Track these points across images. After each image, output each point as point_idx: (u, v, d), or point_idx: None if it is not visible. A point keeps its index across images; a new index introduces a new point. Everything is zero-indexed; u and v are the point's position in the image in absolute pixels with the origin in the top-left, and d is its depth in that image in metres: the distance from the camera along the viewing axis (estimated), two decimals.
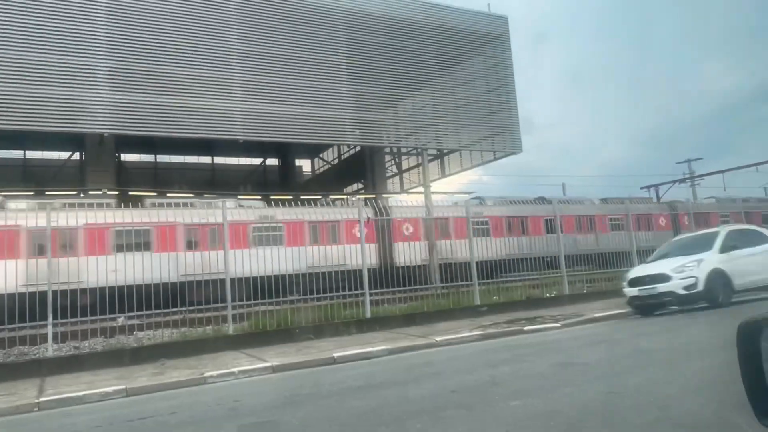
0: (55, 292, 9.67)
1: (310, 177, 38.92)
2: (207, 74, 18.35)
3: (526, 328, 10.81)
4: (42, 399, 6.96)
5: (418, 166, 28.21)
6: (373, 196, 23.69)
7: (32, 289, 10.23)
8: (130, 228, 12.98)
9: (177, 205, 15.42)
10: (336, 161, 36.09)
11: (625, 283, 12.38)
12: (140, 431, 5.37)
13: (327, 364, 8.45)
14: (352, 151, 32.91)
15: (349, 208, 21.20)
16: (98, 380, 8.01)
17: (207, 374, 7.85)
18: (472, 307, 13.33)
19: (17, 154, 31.07)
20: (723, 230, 12.61)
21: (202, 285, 12.97)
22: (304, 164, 39.29)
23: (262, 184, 35.29)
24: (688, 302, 11.56)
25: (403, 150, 29.19)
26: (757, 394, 1.09)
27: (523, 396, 5.00)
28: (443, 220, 21.59)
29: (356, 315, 12.20)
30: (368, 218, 16.55)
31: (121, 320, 11.40)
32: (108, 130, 18.05)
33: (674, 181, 40.18)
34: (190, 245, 17.56)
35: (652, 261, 12.84)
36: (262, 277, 11.80)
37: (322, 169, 38.41)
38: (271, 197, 19.17)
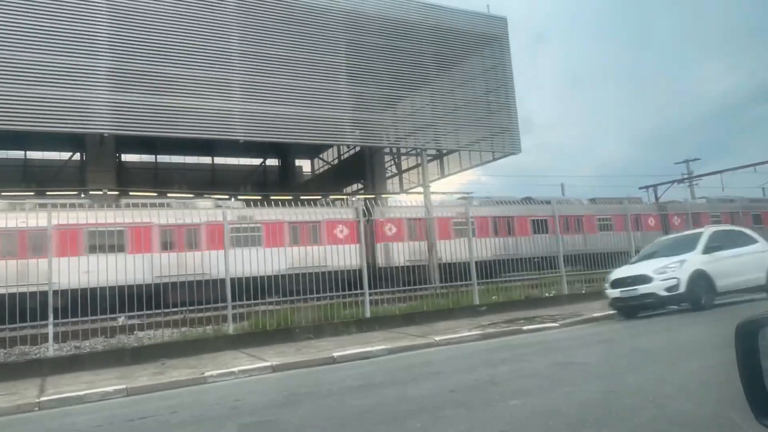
0: (55, 292, 9.67)
1: (310, 177, 38.93)
2: (207, 75, 18.34)
3: (525, 327, 10.81)
4: (43, 398, 6.96)
5: (417, 166, 28.22)
6: (373, 196, 23.69)
7: (33, 289, 10.19)
8: (103, 229, 12.71)
9: (153, 205, 15.14)
10: (336, 161, 36.10)
11: (607, 285, 12.12)
12: (141, 431, 5.37)
13: (327, 364, 8.45)
14: (352, 152, 32.92)
15: (331, 208, 21.12)
16: (99, 380, 8.00)
17: (207, 374, 7.85)
18: (471, 307, 13.33)
19: (18, 154, 31.04)
20: (707, 231, 12.39)
21: (178, 286, 12.64)
22: (304, 164, 39.30)
23: (262, 184, 35.30)
24: (669, 304, 11.36)
25: (403, 150, 29.20)
26: (755, 393, 1.09)
27: (522, 395, 5.01)
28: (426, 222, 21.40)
29: (356, 315, 12.21)
30: (367, 218, 16.55)
31: (121, 320, 11.38)
32: (108, 131, 18.04)
33: (672, 182, 40.22)
34: (165, 246, 17.27)
35: (636, 262, 12.62)
36: (239, 279, 11.66)
37: (321, 170, 38.41)
38: (271, 197, 19.16)
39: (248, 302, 11.81)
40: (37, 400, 6.88)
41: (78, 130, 18.07)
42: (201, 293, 11.13)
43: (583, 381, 5.53)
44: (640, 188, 40.38)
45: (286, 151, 35.00)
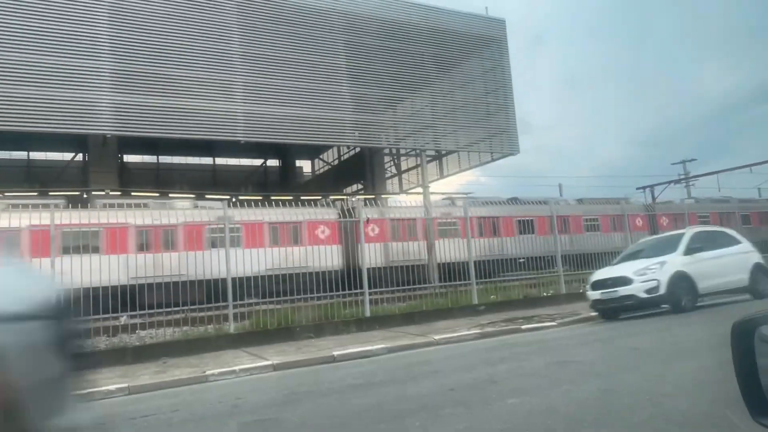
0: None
1: (311, 178, 38.94)
2: (209, 77, 18.35)
3: (523, 326, 10.81)
4: None
5: (416, 167, 28.22)
6: (372, 196, 23.67)
7: None
8: (78, 230, 12.61)
9: (129, 206, 14.99)
10: (336, 162, 36.10)
11: (588, 286, 11.87)
12: (143, 429, 5.36)
13: (327, 363, 8.45)
14: (352, 152, 32.93)
15: (314, 209, 20.98)
16: (101, 378, 8.00)
17: (208, 372, 7.85)
18: (470, 306, 13.34)
19: (21, 155, 31.04)
20: (688, 232, 12.12)
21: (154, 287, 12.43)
22: (305, 165, 39.31)
23: (263, 184, 35.31)
24: (649, 306, 11.09)
25: (402, 151, 29.20)
26: (751, 392, 1.09)
27: (521, 394, 5.00)
28: (410, 222, 21.26)
29: (356, 314, 12.21)
30: (368, 219, 16.54)
31: (123, 319, 11.37)
32: (111, 132, 18.05)
33: (669, 182, 40.21)
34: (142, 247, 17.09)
35: (618, 263, 12.33)
36: (216, 280, 11.51)
37: (322, 170, 38.42)
38: (272, 197, 19.15)
39: (249, 301, 11.81)
40: None
41: (81, 131, 18.08)
42: (176, 295, 10.94)
43: (581, 380, 5.53)
44: (638, 188, 40.38)
45: (286, 152, 35.00)
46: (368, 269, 12.72)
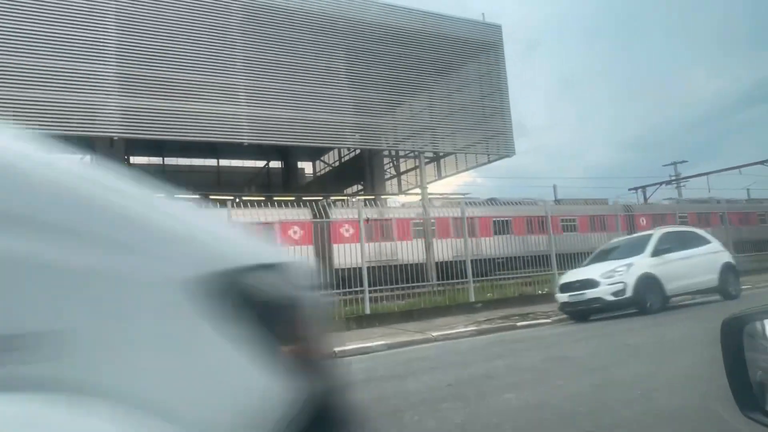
0: None
1: (312, 179, 38.93)
2: (213, 80, 18.35)
3: (518, 323, 10.83)
4: None
5: (415, 168, 28.22)
6: (372, 197, 23.67)
7: None
8: None
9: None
10: (337, 164, 36.10)
11: (557, 289, 11.59)
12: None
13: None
14: (352, 154, 32.92)
15: (289, 210, 20.75)
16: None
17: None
18: (467, 304, 13.36)
19: None
20: (657, 233, 11.76)
21: None
22: (306, 166, 39.29)
23: (265, 185, 35.31)
24: (616, 308, 10.77)
25: (401, 153, 29.20)
26: (740, 387, 1.10)
27: (517, 389, 5.02)
28: (387, 222, 21.15)
29: (356, 311, 12.22)
30: (367, 219, 16.53)
31: None
32: (118, 134, 18.04)
33: (660, 183, 40.26)
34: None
35: (587, 264, 12.05)
36: None
37: (323, 171, 38.42)
38: (274, 198, 19.11)
39: None
40: None
41: (89, 134, 18.06)
42: None
43: (575, 375, 5.55)
44: (630, 189, 40.44)
45: (288, 154, 34.99)
46: (368, 268, 12.73)
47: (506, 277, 15.71)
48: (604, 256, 11.98)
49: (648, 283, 10.59)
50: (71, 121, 16.42)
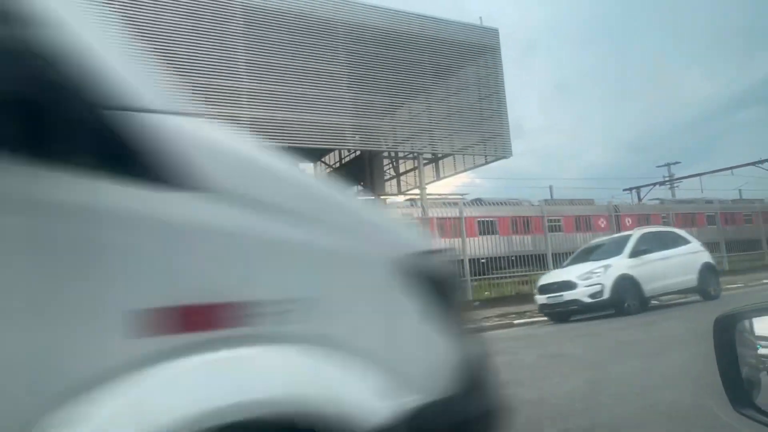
0: None
1: None
2: (216, 84, 18.36)
3: (515, 321, 10.84)
4: None
5: (414, 169, 28.21)
6: (372, 197, 23.66)
7: None
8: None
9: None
10: (337, 165, 36.10)
11: (535, 290, 11.40)
12: None
13: None
14: (353, 156, 32.93)
15: None
16: None
17: None
18: (465, 302, 13.37)
19: None
20: (635, 233, 11.53)
21: None
22: (307, 168, 39.31)
23: None
24: (594, 310, 10.59)
25: (401, 154, 29.20)
26: (732, 383, 1.10)
27: (514, 385, 5.01)
28: None
29: None
30: None
31: None
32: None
33: (654, 184, 40.30)
34: None
35: (566, 266, 11.86)
36: None
37: (324, 172, 38.42)
38: None
39: None
40: None
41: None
42: None
43: (571, 372, 5.54)
44: (624, 190, 40.45)
45: (290, 155, 34.97)
46: None
47: (503, 276, 15.71)
48: (585, 256, 11.80)
49: (625, 284, 10.41)
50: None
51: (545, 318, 11.24)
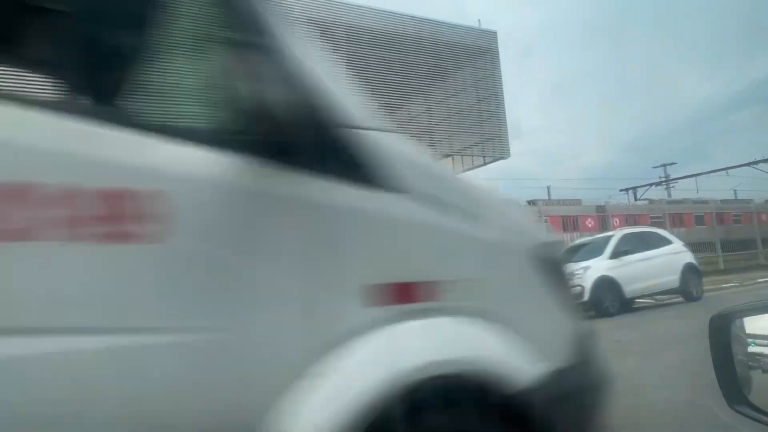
0: None
1: None
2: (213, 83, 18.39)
3: None
4: None
5: None
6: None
7: None
8: None
9: None
10: None
11: None
12: None
13: None
14: None
15: None
16: None
17: None
18: None
19: None
20: (616, 234, 11.35)
21: None
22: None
23: None
24: None
25: None
26: (727, 381, 1.10)
27: None
28: None
29: None
30: None
31: None
32: None
33: (650, 184, 40.31)
34: None
35: None
36: None
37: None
38: None
39: None
40: None
41: None
42: None
43: None
44: (621, 190, 40.46)
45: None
46: None
47: None
48: (566, 258, 11.78)
49: (606, 286, 10.27)
50: None
51: None
